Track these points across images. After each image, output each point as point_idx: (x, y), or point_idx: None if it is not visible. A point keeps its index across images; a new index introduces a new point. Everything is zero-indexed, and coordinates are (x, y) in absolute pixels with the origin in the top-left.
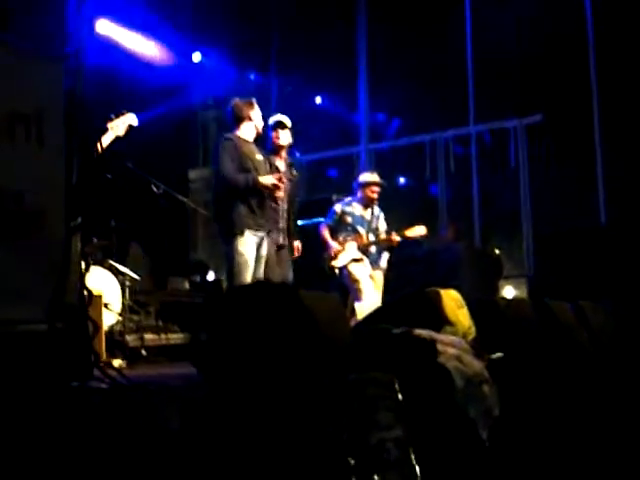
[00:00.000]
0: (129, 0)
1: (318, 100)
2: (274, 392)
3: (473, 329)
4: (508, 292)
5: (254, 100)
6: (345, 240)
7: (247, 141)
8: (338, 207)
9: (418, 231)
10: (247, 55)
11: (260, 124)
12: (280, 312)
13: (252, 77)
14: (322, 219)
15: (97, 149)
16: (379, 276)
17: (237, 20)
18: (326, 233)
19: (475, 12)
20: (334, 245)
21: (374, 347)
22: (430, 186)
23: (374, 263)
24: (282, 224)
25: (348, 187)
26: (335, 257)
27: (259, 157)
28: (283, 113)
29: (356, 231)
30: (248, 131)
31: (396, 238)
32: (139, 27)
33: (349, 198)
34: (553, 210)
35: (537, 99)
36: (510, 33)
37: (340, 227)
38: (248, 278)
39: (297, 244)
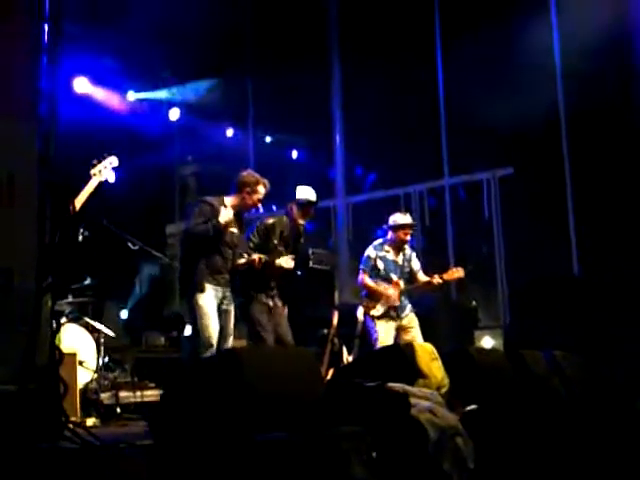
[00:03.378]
0: (104, 59)
1: (294, 154)
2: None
3: (446, 381)
4: (486, 342)
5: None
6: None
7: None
8: (372, 252)
9: (456, 273)
10: (224, 111)
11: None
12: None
13: (230, 133)
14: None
15: (71, 208)
16: (413, 318)
17: (213, 76)
18: (368, 279)
19: (447, 66)
20: (378, 287)
21: (348, 401)
22: None
23: (403, 310)
24: (275, 290)
25: (323, 240)
26: (374, 306)
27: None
28: (261, 167)
29: (389, 278)
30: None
31: (438, 281)
32: (116, 85)
33: (379, 240)
34: (527, 261)
35: (509, 152)
36: (482, 88)
37: (372, 273)
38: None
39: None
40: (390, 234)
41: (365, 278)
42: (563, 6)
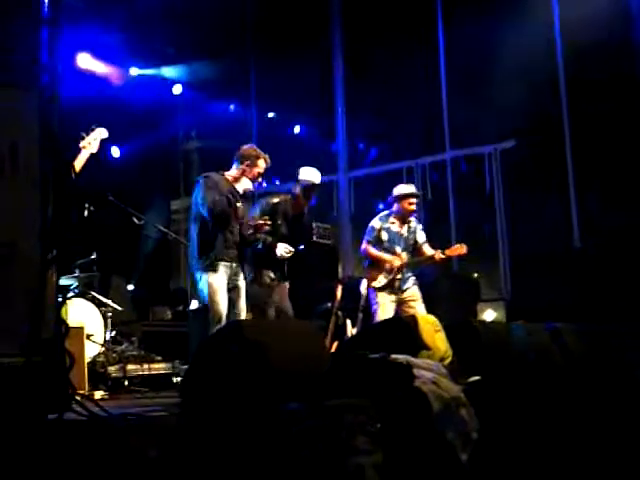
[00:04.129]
0: (109, 35)
1: (297, 129)
2: (248, 419)
3: (450, 353)
4: (488, 315)
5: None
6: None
7: (228, 180)
8: (377, 223)
9: (459, 250)
10: (227, 87)
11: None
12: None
13: (232, 108)
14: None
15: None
16: (416, 294)
17: (216, 52)
18: (371, 248)
19: (449, 40)
20: (383, 255)
21: (352, 373)
22: None
23: (405, 282)
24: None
25: (326, 214)
26: (375, 278)
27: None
28: (263, 142)
29: (392, 250)
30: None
31: (440, 256)
32: (119, 60)
33: (385, 212)
34: (529, 234)
35: (511, 125)
36: (484, 59)
37: (377, 244)
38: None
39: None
40: (395, 205)
41: (369, 247)
42: None
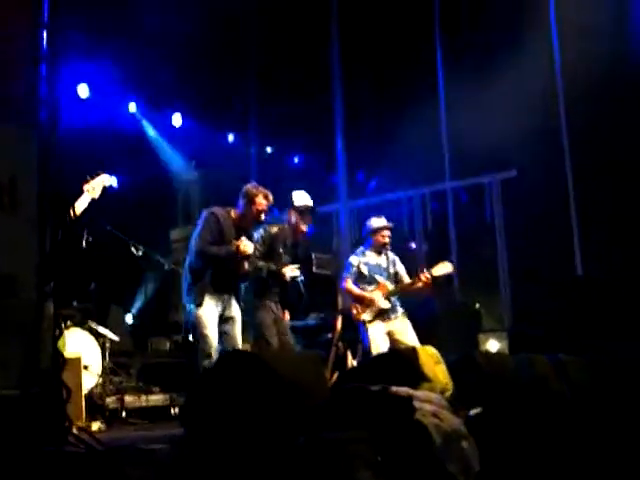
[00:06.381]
0: (107, 66)
1: (296, 160)
2: (251, 451)
3: (450, 385)
4: (491, 346)
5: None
6: (367, 291)
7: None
8: (354, 259)
9: (443, 269)
10: (226, 118)
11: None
12: (254, 377)
13: (231, 139)
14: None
15: (72, 210)
16: (404, 321)
17: (215, 83)
18: (350, 285)
19: (448, 70)
20: (362, 292)
21: (352, 405)
22: (409, 242)
23: (394, 313)
24: (277, 297)
25: (326, 244)
26: (363, 312)
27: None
28: (262, 173)
29: (375, 281)
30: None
31: (427, 277)
32: (118, 91)
33: (361, 248)
34: (530, 263)
35: (511, 155)
36: (483, 92)
37: (358, 279)
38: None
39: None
40: (369, 239)
41: (348, 284)
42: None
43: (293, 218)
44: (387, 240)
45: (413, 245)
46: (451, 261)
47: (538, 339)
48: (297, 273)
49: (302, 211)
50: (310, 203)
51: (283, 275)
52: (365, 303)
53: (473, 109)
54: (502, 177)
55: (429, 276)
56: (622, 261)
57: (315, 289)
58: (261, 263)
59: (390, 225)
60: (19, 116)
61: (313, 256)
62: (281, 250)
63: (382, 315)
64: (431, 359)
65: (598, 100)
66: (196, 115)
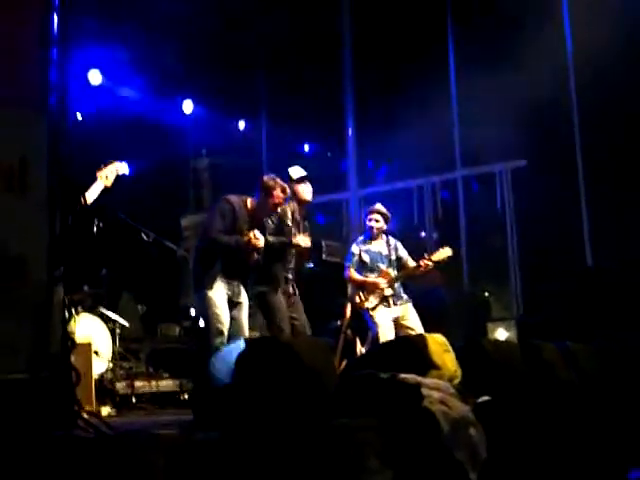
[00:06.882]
0: (119, 52)
1: (307, 148)
2: (263, 436)
3: (459, 372)
4: (500, 334)
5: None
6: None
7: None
8: (355, 248)
9: (444, 253)
10: (237, 104)
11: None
12: (270, 362)
13: (242, 126)
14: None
15: (82, 198)
16: (410, 309)
17: (226, 70)
18: (353, 273)
19: (460, 58)
20: (366, 278)
21: (361, 392)
22: (419, 231)
23: (400, 299)
24: (290, 275)
25: (336, 232)
26: (366, 299)
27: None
28: (273, 160)
29: (377, 269)
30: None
31: (428, 263)
32: (129, 77)
33: (361, 237)
34: (540, 252)
35: (522, 144)
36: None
37: (360, 267)
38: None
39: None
40: (365, 227)
41: (351, 272)
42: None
43: (298, 191)
44: (374, 224)
45: (423, 234)
46: (452, 246)
47: (547, 328)
48: (309, 242)
49: (300, 181)
50: (304, 172)
51: (297, 244)
52: (368, 290)
53: (484, 97)
54: (513, 166)
55: (428, 262)
56: (632, 252)
57: (325, 277)
58: (272, 238)
59: (378, 209)
60: (29, 100)
61: (323, 243)
62: (290, 224)
63: (386, 301)
64: (440, 347)
65: (610, 87)
66: (207, 102)
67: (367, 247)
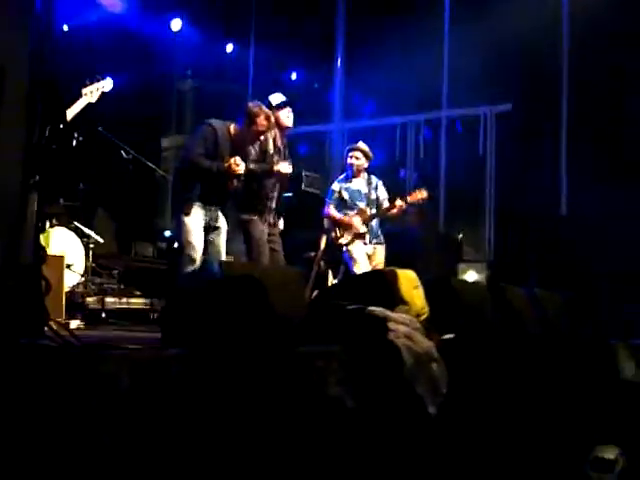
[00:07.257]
0: None
1: (293, 76)
2: (227, 359)
3: (426, 309)
4: (470, 276)
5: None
6: (347, 215)
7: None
8: (336, 185)
9: (419, 195)
10: (226, 26)
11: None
12: (240, 290)
13: (230, 49)
14: (290, 194)
15: (64, 110)
16: (380, 251)
17: None
18: (332, 210)
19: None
20: (342, 217)
21: (328, 322)
22: (399, 168)
23: (375, 238)
24: (272, 204)
25: (317, 164)
26: (342, 235)
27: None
28: (259, 86)
29: (355, 206)
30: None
31: (400, 204)
32: None
33: (343, 175)
34: (516, 199)
35: (510, 88)
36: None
37: (340, 205)
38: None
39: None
40: (347, 164)
41: (330, 209)
42: None
43: (279, 117)
44: (354, 162)
45: (402, 172)
46: (428, 188)
47: (517, 273)
48: (290, 169)
49: (280, 107)
50: (284, 98)
51: (278, 171)
52: (344, 227)
53: (476, 38)
54: (498, 110)
55: (402, 203)
56: (607, 202)
57: (302, 207)
58: (254, 165)
59: (359, 147)
60: (12, 7)
61: (303, 174)
62: (271, 151)
63: (362, 237)
64: (410, 283)
65: (604, 38)
66: (196, 22)
67: (347, 185)
